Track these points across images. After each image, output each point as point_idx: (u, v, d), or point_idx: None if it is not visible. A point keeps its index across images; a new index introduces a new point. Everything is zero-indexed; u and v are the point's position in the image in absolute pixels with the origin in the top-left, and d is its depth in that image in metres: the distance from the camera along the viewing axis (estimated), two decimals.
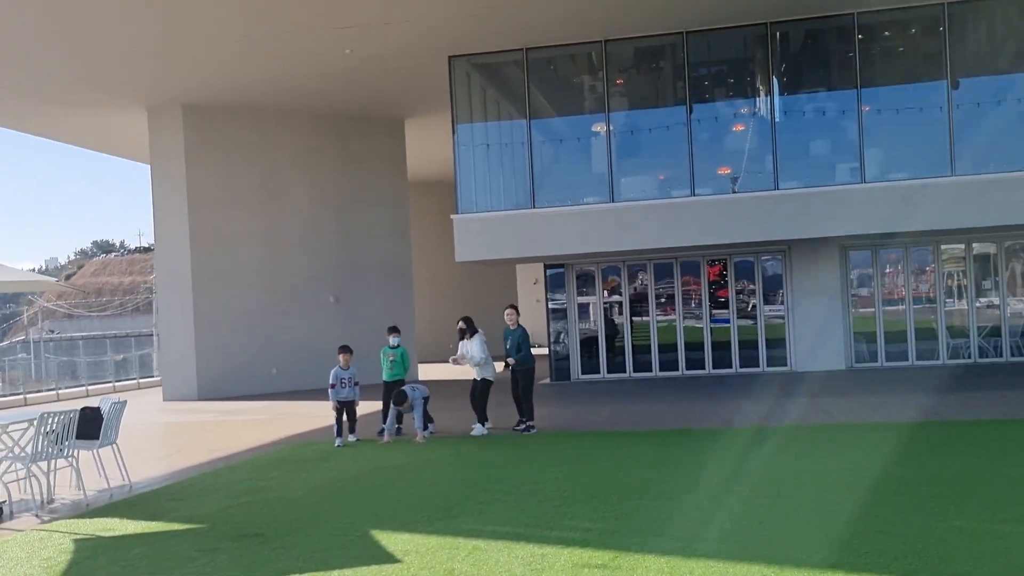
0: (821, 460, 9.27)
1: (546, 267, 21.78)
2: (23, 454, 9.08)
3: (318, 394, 20.25)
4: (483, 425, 12.71)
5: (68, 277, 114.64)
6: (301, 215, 22.99)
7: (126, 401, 10.22)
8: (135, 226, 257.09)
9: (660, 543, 6.31)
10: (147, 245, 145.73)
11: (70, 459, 9.33)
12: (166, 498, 9.07)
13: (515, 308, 13.42)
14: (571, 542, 6.47)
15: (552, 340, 21.87)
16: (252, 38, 17.43)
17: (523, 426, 12.66)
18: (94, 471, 9.96)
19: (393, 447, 11.91)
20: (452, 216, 19.25)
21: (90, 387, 25.64)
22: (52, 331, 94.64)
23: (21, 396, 23.21)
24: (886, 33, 19.04)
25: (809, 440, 10.65)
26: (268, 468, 10.52)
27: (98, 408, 10.00)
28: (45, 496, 9.12)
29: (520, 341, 12.82)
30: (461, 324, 13.05)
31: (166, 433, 15.15)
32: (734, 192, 18.76)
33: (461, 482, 9.17)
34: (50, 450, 8.99)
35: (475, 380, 12.96)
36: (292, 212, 22.88)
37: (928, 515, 6.74)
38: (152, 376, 28.50)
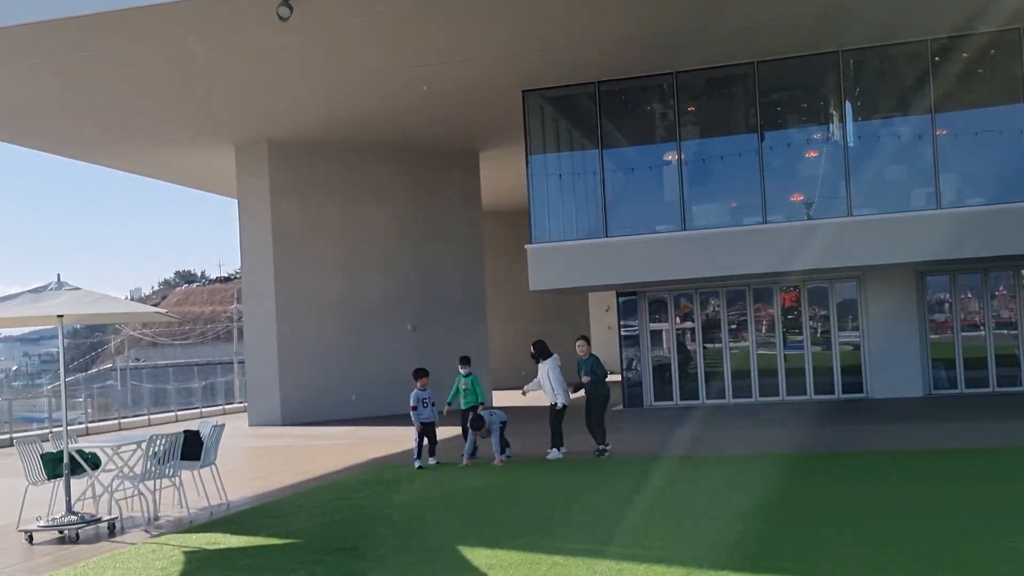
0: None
1: (618, 295, 22.07)
2: (132, 474, 9.75)
3: (396, 419, 20.81)
4: (558, 449, 13.05)
5: (153, 307, 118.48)
6: (379, 246, 23.74)
7: (224, 425, 10.87)
8: (215, 256, 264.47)
9: (729, 561, 6.58)
10: (227, 275, 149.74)
11: (173, 479, 9.98)
12: (264, 515, 9.63)
13: (586, 339, 13.75)
14: (646, 559, 6.78)
15: (624, 367, 22.11)
16: (335, 79, 18.25)
17: (598, 450, 12.96)
18: (194, 490, 10.59)
19: (472, 470, 12.33)
20: (526, 246, 19.70)
21: (179, 412, 26.73)
22: (138, 359, 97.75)
23: (115, 421, 24.36)
24: (962, 55, 18.94)
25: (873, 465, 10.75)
26: (356, 488, 11.04)
27: (198, 432, 10.66)
28: (152, 513, 9.76)
29: (594, 367, 13.14)
30: (533, 349, 13.46)
31: (255, 456, 15.84)
32: (807, 219, 18.83)
33: (539, 503, 9.54)
34: (157, 470, 9.64)
35: (551, 405, 13.30)
36: (371, 244, 23.64)
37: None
38: (235, 402, 29.56)
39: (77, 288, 9.06)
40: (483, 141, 24.09)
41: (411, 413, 13.04)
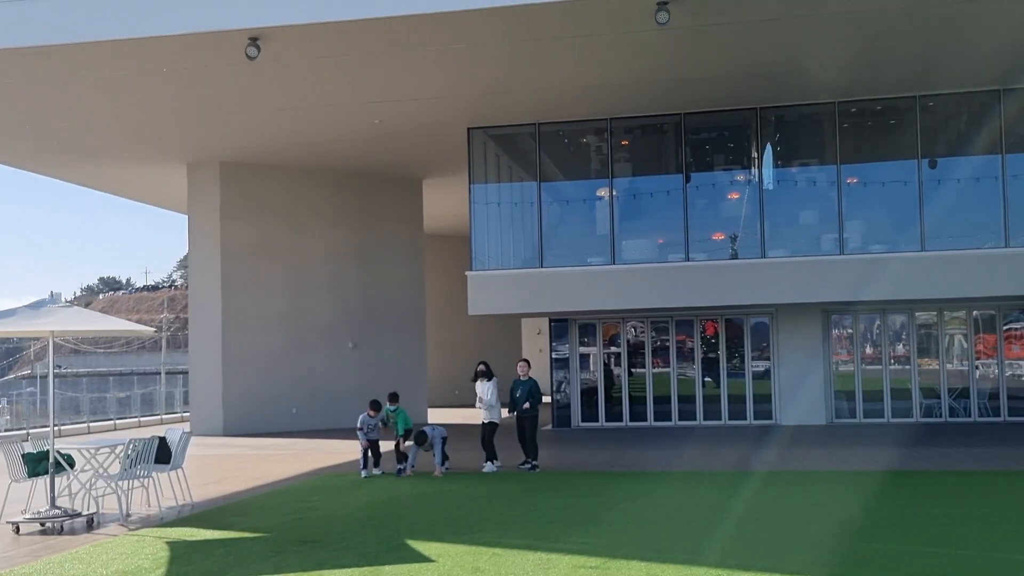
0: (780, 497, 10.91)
1: (550, 320, 23.48)
2: (108, 474, 10.72)
3: (337, 433, 21.90)
4: (492, 463, 14.34)
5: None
6: (324, 266, 24.79)
7: (191, 433, 11.87)
8: (142, 264, 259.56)
9: (641, 554, 7.92)
10: (154, 283, 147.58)
11: (144, 480, 10.98)
12: (229, 514, 10.69)
13: (527, 362, 15.11)
14: (570, 551, 8.10)
15: (554, 389, 23.50)
16: (292, 109, 19.33)
17: (528, 465, 14.29)
18: (158, 492, 11.57)
19: (415, 479, 13.51)
20: (466, 272, 21.01)
21: (118, 421, 27.24)
22: (59, 366, 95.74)
23: (84, 425, 25.13)
24: (867, 115, 20.91)
25: (780, 482, 12.28)
26: (310, 493, 12.14)
27: (165, 437, 11.66)
28: (125, 509, 10.73)
29: (532, 391, 14.44)
30: (481, 367, 14.71)
31: (207, 463, 16.73)
32: (728, 258, 20.53)
33: (479, 507, 10.79)
34: (133, 471, 10.63)
35: (483, 423, 14.58)
36: (316, 263, 24.67)
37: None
38: (172, 412, 30.13)
39: (70, 305, 10.03)
40: (428, 170, 25.36)
41: (358, 433, 14.32)
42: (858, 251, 20.12)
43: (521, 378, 14.55)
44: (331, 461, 16.25)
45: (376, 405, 14.62)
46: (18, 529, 9.87)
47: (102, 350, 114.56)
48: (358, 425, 14.45)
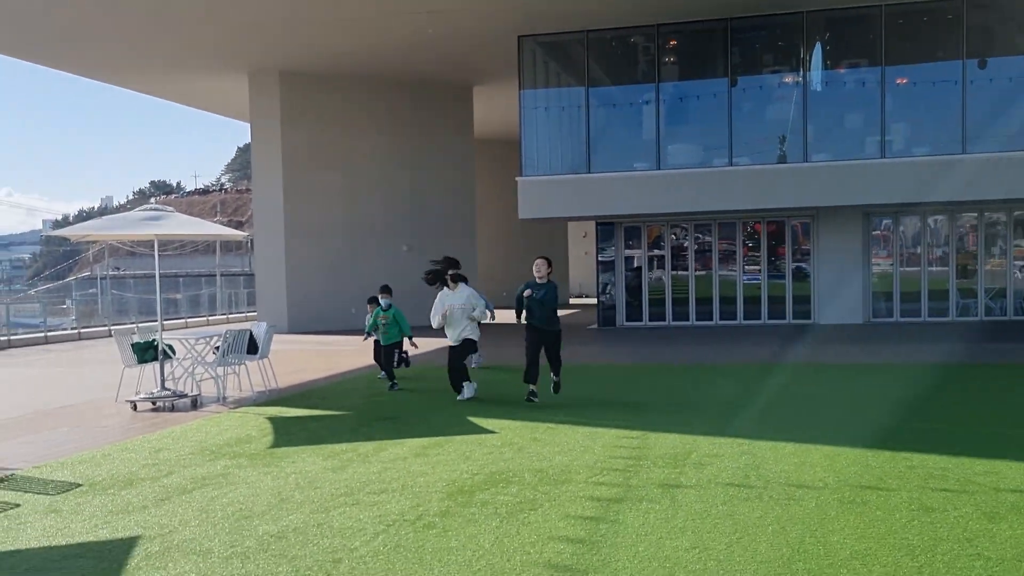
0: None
1: (596, 223, 24.36)
2: (204, 361, 12.06)
3: None
4: (469, 386, 11.53)
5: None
6: (379, 172, 25.78)
7: (275, 326, 13.14)
8: (190, 168, 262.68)
9: (677, 429, 9.02)
10: (204, 187, 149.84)
11: (236, 367, 12.32)
12: (313, 397, 12.01)
13: (547, 260, 10.98)
14: (614, 426, 9.23)
15: (599, 290, 24.54)
16: (347, 17, 20.04)
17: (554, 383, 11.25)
18: (247, 379, 12.92)
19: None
20: (516, 178, 21.89)
21: (189, 320, 28.96)
22: (118, 268, 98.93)
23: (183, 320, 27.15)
24: (916, 14, 20.97)
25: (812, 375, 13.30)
26: (379, 382, 13.42)
27: (252, 331, 12.94)
28: (222, 393, 12.09)
29: (551, 299, 10.89)
30: (444, 266, 12.68)
31: (281, 357, 18.11)
32: (772, 162, 21.12)
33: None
34: (228, 359, 11.96)
35: (453, 347, 11.46)
36: (371, 170, 25.68)
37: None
38: (233, 312, 31.85)
39: (172, 213, 11.20)
40: (478, 77, 26.00)
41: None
42: (901, 154, 20.61)
43: (538, 280, 10.81)
44: None
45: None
46: (135, 407, 11.27)
47: (150, 250, 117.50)
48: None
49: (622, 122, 22.68)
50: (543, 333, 10.87)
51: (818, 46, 21.32)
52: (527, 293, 10.67)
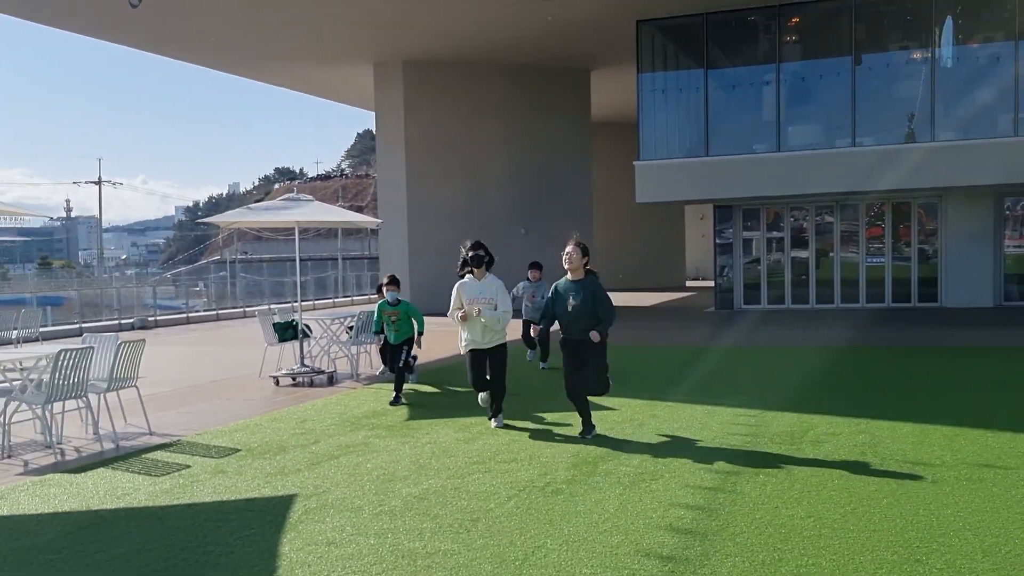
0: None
1: (715, 206, 24.31)
2: (339, 341, 12.84)
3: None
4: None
5: (257, 202, 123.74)
6: (498, 157, 26.38)
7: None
8: (312, 155, 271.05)
9: (793, 408, 9.20)
10: (325, 173, 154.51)
11: (367, 345, 13.07)
12: (440, 374, 12.65)
13: (582, 247, 8.17)
14: (730, 405, 9.47)
15: (717, 273, 24.51)
16: (467, 7, 20.62)
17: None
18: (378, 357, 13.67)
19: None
20: (634, 162, 22.08)
21: (316, 301, 30.33)
22: (246, 252, 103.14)
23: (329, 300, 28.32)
24: None
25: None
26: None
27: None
28: (355, 370, 12.86)
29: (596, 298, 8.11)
30: (474, 252, 8.46)
31: None
32: (899, 142, 20.66)
33: (637, 373, 12.30)
34: (358, 339, 12.71)
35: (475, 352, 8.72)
36: (490, 154, 26.29)
37: None
38: (357, 294, 33.12)
39: (311, 200, 11.98)
40: (596, 61, 26.25)
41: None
42: None
43: (571, 278, 8.05)
44: (511, 336, 18.07)
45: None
46: (277, 382, 12.14)
47: (282, 237, 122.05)
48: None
49: (741, 104, 22.55)
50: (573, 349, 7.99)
51: (948, 20, 20.68)
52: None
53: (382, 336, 11.11)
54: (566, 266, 7.96)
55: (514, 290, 12.37)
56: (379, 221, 13.39)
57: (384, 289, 11.11)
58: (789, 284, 23.59)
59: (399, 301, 11.05)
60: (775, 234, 23.82)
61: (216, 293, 31.30)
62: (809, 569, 4.61)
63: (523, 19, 21.51)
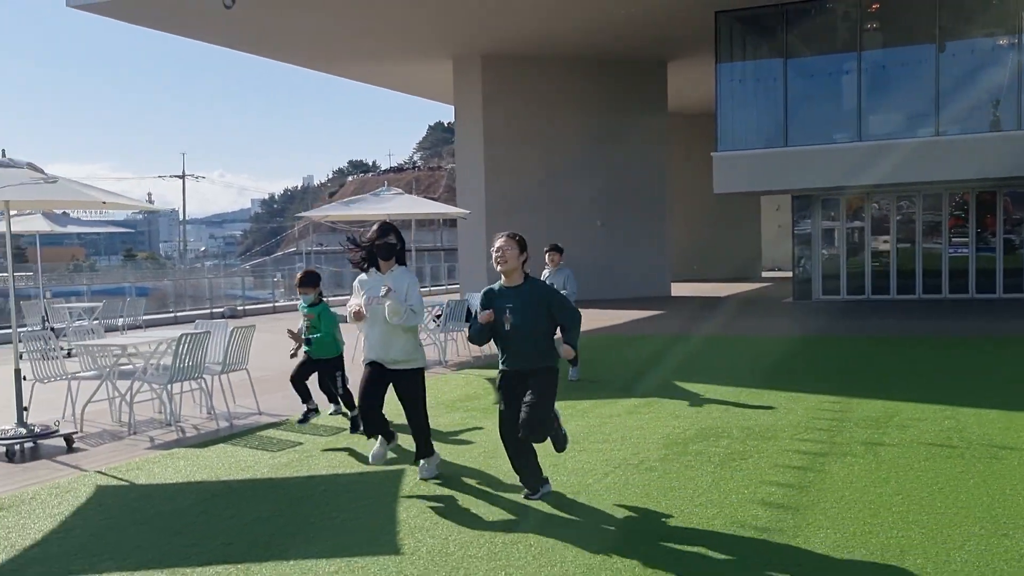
0: None
1: (793, 196, 24.23)
2: (427, 328, 13.35)
3: (588, 303, 24.04)
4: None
5: (331, 195, 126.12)
6: (574, 150, 26.66)
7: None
8: (384, 148, 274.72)
9: (876, 395, 9.36)
10: (398, 165, 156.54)
11: (455, 334, 13.56)
12: None
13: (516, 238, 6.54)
14: (815, 391, 9.67)
15: (795, 263, 24.44)
16: (543, 1, 20.94)
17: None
18: (466, 345, 14.14)
19: (620, 339, 15.37)
20: (712, 153, 22.16)
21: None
22: (320, 244, 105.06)
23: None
24: None
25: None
26: (589, 348, 14.27)
27: (467, 301, 14.14)
28: (443, 356, 13.36)
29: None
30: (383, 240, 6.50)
31: None
32: (984, 131, 20.33)
33: (716, 364, 12.54)
34: (446, 326, 13.21)
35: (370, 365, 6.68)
36: (567, 147, 26.59)
37: None
38: (434, 284, 33.80)
39: (401, 193, 12.50)
40: (672, 53, 26.35)
41: None
42: None
43: (505, 285, 6.01)
44: (588, 325, 18.42)
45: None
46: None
47: (356, 229, 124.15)
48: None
49: (820, 93, 22.44)
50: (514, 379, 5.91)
51: None
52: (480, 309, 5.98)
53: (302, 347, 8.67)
54: (498, 268, 5.90)
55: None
56: (467, 212, 13.84)
57: (298, 291, 8.66)
58: (869, 274, 23.42)
59: (316, 304, 8.53)
60: (855, 224, 23.66)
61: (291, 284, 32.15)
62: (899, 540, 4.88)
63: (601, 13, 21.76)
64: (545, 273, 10.96)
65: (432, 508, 5.82)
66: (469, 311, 13.77)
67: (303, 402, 8.44)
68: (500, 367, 5.98)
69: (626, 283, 26.37)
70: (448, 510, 5.78)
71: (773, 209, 39.93)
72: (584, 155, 26.78)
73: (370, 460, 6.55)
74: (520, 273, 5.90)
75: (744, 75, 22.91)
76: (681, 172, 34.03)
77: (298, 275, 8.73)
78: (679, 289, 28.53)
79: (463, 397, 10.18)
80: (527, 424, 5.64)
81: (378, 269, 6.48)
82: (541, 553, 4.88)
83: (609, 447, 7.37)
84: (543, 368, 5.82)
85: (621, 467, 6.69)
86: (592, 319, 19.47)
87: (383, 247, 6.45)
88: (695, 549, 4.88)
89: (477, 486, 6.32)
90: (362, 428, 6.81)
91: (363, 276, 6.57)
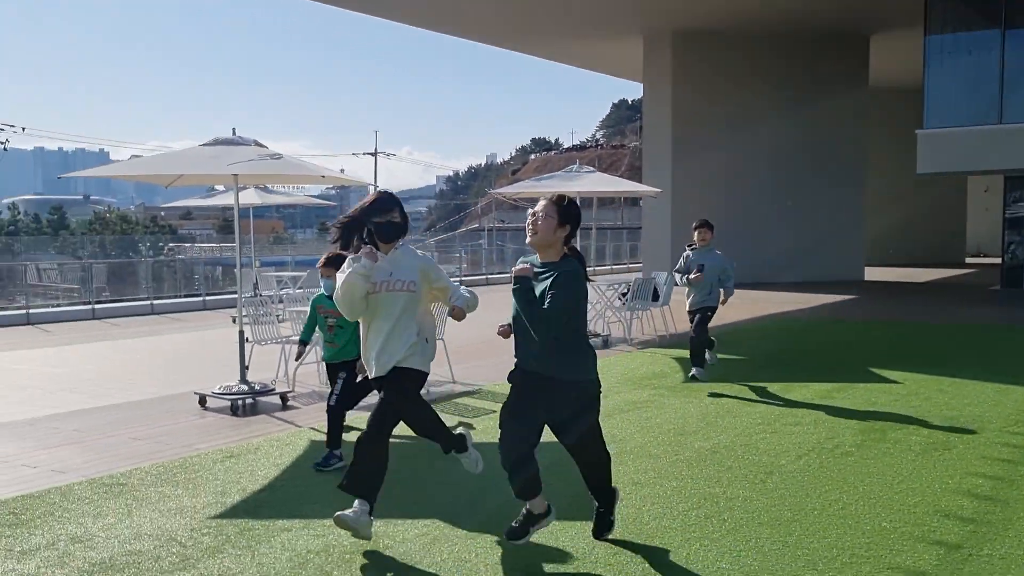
0: None
1: (1006, 176, 22.62)
2: (613, 305, 13.49)
3: (774, 286, 23.45)
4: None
5: (514, 172, 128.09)
6: (766, 127, 25.89)
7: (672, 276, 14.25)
8: (567, 125, 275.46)
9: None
10: (580, 143, 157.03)
11: (641, 312, 13.63)
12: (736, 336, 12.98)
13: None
14: (994, 380, 9.14)
15: (1004, 249, 22.85)
16: None
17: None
18: (652, 322, 14.18)
19: (823, 322, 14.83)
20: (917, 131, 21.00)
21: (613, 266, 31.45)
22: (503, 220, 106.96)
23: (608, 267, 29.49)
24: None
25: None
26: (771, 331, 14.03)
27: (653, 280, 14.16)
28: (629, 335, 13.46)
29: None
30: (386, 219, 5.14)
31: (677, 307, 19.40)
32: None
33: (905, 347, 11.98)
34: (633, 304, 13.30)
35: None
36: (759, 124, 25.85)
37: None
38: (616, 263, 33.88)
39: (593, 171, 12.68)
40: (876, 26, 25.11)
41: None
42: None
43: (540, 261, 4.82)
44: (778, 308, 17.99)
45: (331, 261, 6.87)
46: None
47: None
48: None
49: None
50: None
51: None
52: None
53: (306, 348, 7.57)
54: (529, 240, 4.73)
55: (680, 261, 10.03)
56: (659, 191, 13.82)
57: (320, 274, 7.14)
58: None
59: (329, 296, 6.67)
60: None
61: (473, 259, 33.21)
62: None
63: None
64: (684, 256, 10.05)
65: (624, 481, 5.96)
66: (656, 290, 13.81)
67: (329, 442, 6.49)
68: (516, 364, 5.05)
69: (817, 266, 25.44)
70: (639, 482, 5.92)
71: (981, 191, 37.36)
72: (775, 133, 25.99)
73: (350, 526, 4.96)
74: (557, 249, 4.67)
75: (956, 47, 21.51)
76: (880, 148, 32.40)
77: (322, 257, 7.06)
78: (872, 273, 27.28)
79: (650, 375, 10.27)
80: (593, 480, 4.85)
81: (376, 248, 5.08)
82: (734, 528, 4.94)
83: (801, 430, 7.28)
84: (570, 382, 4.73)
85: (815, 450, 6.61)
86: (782, 302, 19.04)
87: (386, 226, 5.11)
88: (896, 534, 4.79)
89: (665, 464, 6.42)
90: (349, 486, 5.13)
91: (346, 263, 5.11)
